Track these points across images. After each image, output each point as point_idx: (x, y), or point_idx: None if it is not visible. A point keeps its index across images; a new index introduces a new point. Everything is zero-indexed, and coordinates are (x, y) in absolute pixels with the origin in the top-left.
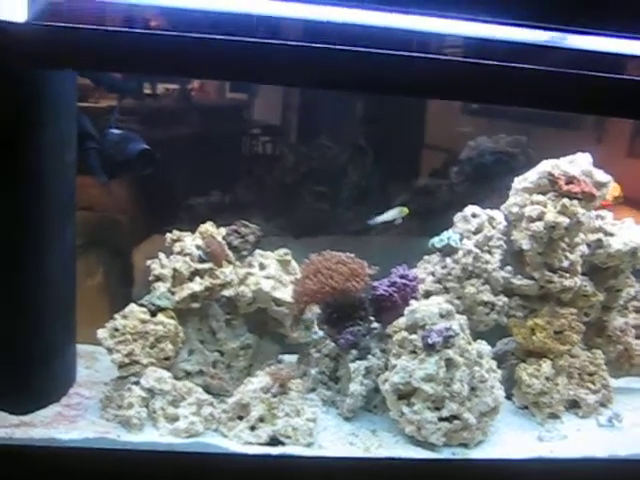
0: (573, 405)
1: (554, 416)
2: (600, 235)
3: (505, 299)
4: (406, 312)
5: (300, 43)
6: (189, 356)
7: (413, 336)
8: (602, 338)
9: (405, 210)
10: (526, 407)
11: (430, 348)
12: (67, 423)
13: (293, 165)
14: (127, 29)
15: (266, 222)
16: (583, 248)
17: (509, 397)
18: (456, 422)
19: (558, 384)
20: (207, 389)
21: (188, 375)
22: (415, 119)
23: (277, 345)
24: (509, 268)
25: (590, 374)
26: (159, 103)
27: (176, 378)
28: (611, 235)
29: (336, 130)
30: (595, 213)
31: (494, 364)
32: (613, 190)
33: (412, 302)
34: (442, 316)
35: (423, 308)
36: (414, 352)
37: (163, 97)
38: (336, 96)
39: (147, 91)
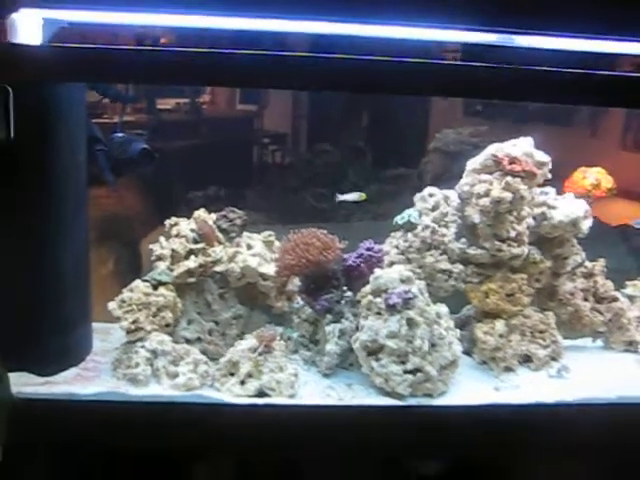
0: (526, 359)
1: (509, 369)
2: (544, 209)
3: (461, 267)
4: (371, 279)
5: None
6: (188, 325)
7: (377, 299)
8: (554, 302)
9: (363, 195)
10: (485, 362)
11: (392, 309)
12: (84, 382)
13: (296, 170)
14: (120, 47)
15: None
16: (529, 220)
17: (470, 354)
18: (419, 374)
19: (511, 341)
20: (205, 353)
21: (188, 342)
22: (416, 122)
23: (265, 315)
24: (464, 240)
25: (541, 332)
26: (172, 116)
27: (177, 344)
28: (554, 208)
29: (337, 135)
30: (539, 190)
31: (452, 323)
32: (606, 182)
33: (376, 270)
34: (402, 281)
35: (385, 275)
36: (379, 313)
37: (175, 110)
38: (338, 104)
39: (160, 106)
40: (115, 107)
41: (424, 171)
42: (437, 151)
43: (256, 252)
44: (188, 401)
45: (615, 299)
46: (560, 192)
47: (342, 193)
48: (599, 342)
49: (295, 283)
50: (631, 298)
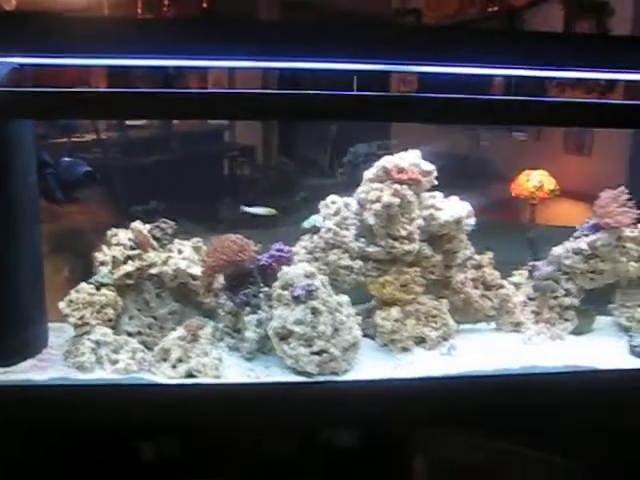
0: (421, 341)
1: (406, 349)
2: (432, 210)
3: (361, 263)
4: (279, 275)
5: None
6: (129, 321)
7: (285, 292)
8: (448, 291)
9: (273, 211)
10: (385, 345)
11: (296, 300)
12: (39, 371)
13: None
14: (63, 88)
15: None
16: (419, 221)
17: (374, 339)
18: (325, 355)
19: (406, 325)
20: (145, 344)
21: (130, 335)
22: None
23: (197, 310)
24: (363, 240)
25: (434, 316)
26: (140, 133)
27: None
28: (440, 210)
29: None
30: (428, 194)
31: (352, 311)
32: (549, 184)
33: (284, 268)
34: (307, 276)
35: (291, 271)
36: (287, 304)
37: (146, 127)
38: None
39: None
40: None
41: (338, 182)
42: (349, 164)
43: (185, 256)
44: (127, 383)
45: (502, 286)
46: (507, 194)
47: (247, 204)
48: (492, 325)
49: (220, 282)
50: (517, 285)
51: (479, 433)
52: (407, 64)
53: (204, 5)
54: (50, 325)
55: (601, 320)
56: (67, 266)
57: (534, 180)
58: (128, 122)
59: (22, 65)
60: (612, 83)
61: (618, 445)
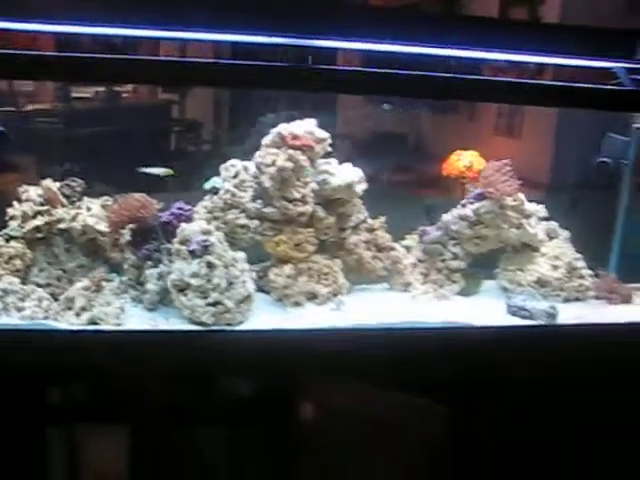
0: (313, 297)
1: (298, 304)
2: (325, 175)
3: (257, 222)
4: (178, 231)
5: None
6: (39, 273)
7: (183, 247)
8: (342, 251)
9: (170, 171)
10: (280, 300)
11: (192, 254)
12: None
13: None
14: None
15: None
16: (313, 185)
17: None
18: (219, 306)
19: (299, 281)
20: (55, 296)
21: (39, 286)
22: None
23: (105, 264)
24: (260, 201)
25: (325, 274)
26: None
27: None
28: (333, 175)
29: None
30: (323, 160)
31: (247, 266)
32: (478, 164)
33: (182, 224)
34: (203, 232)
35: (189, 227)
36: (185, 258)
37: (93, 99)
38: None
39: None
40: None
41: (248, 147)
42: (257, 132)
43: (94, 213)
44: (32, 328)
45: (393, 249)
46: (439, 173)
47: (146, 166)
48: (385, 285)
49: (127, 238)
50: (408, 248)
51: (362, 381)
52: (354, 42)
53: None
54: None
55: (490, 283)
56: None
57: (464, 160)
58: (74, 94)
59: None
60: (541, 66)
61: (487, 391)
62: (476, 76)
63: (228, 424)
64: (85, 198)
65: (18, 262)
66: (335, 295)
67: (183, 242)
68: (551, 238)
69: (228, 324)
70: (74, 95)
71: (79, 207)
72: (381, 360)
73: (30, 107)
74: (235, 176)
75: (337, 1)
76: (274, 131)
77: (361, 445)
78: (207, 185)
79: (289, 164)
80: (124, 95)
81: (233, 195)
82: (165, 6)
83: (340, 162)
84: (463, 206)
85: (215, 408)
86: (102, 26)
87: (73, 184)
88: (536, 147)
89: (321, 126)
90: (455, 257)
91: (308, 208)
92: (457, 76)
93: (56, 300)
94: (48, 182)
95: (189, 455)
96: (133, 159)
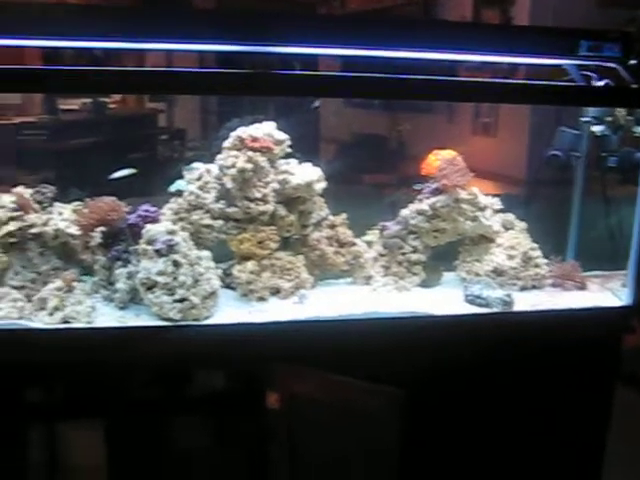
0: (277, 292)
1: (262, 299)
2: (286, 175)
3: (221, 222)
4: (144, 232)
5: None
6: (14, 276)
7: (149, 247)
8: (305, 248)
9: (133, 170)
10: (245, 295)
11: (158, 253)
12: None
13: None
14: None
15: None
16: (274, 185)
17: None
18: (186, 302)
19: (262, 276)
20: (30, 297)
21: (15, 289)
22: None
23: (77, 266)
24: (223, 201)
25: (288, 269)
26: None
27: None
28: (293, 174)
29: None
30: (283, 161)
31: (212, 264)
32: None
33: (148, 225)
34: (169, 232)
35: (154, 228)
36: (152, 258)
37: (81, 110)
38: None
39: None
40: None
41: (214, 151)
42: (221, 137)
43: (65, 217)
44: (6, 327)
45: (354, 244)
46: (417, 172)
47: (115, 170)
48: (348, 279)
49: (97, 240)
50: (369, 243)
51: (324, 371)
52: (334, 47)
53: None
54: None
55: (450, 275)
56: None
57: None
58: (63, 106)
59: None
60: (513, 66)
61: (445, 376)
62: (442, 77)
63: (196, 415)
64: (56, 203)
65: None
66: (298, 289)
67: (149, 242)
68: (507, 229)
69: (195, 319)
70: (61, 107)
71: (51, 212)
72: (342, 350)
73: (17, 120)
74: (199, 178)
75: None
76: (234, 134)
77: (327, 432)
78: (172, 188)
79: (249, 165)
80: (110, 105)
81: (197, 196)
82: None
83: (314, 163)
84: (420, 201)
85: (182, 399)
86: (83, 39)
87: (44, 190)
88: (512, 145)
89: (297, 129)
90: (415, 250)
91: (269, 207)
92: (428, 77)
93: (30, 301)
94: (20, 189)
95: (162, 450)
96: (111, 166)
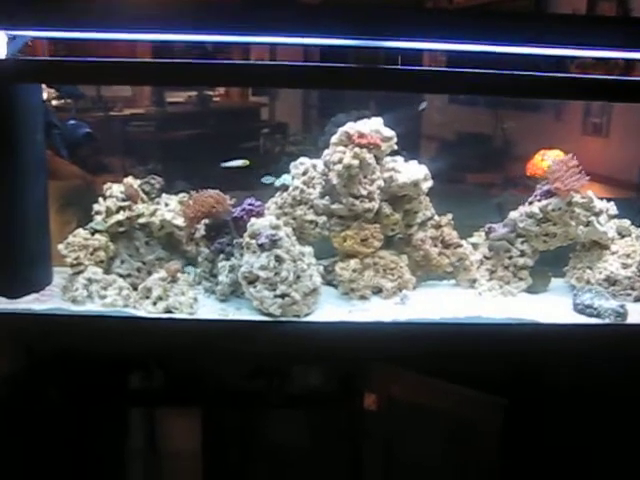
0: (379, 291)
1: (363, 298)
2: (392, 173)
3: (325, 218)
4: (248, 226)
5: None
6: (121, 264)
7: (252, 241)
8: (409, 247)
9: (247, 162)
10: (346, 293)
11: (261, 247)
12: (40, 303)
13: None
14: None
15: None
16: (379, 182)
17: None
18: (287, 299)
19: (364, 275)
20: (134, 286)
21: (121, 277)
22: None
23: (181, 257)
24: (327, 197)
25: (391, 269)
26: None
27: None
28: (399, 172)
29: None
30: (390, 158)
31: (314, 260)
32: None
33: (252, 219)
34: (273, 227)
35: (258, 222)
36: (254, 252)
37: (185, 103)
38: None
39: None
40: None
41: (319, 147)
42: (328, 132)
43: (171, 209)
44: (112, 315)
45: (459, 245)
46: (523, 172)
47: (226, 160)
48: (451, 282)
49: (202, 232)
50: (475, 245)
51: (424, 374)
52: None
53: None
54: (59, 269)
55: (558, 281)
56: (75, 218)
57: (549, 160)
58: (170, 99)
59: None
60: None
61: (550, 388)
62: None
63: (295, 412)
64: (164, 195)
65: (102, 254)
66: (400, 290)
67: (253, 236)
68: (623, 236)
69: (295, 316)
70: (168, 100)
71: (158, 203)
72: (444, 354)
73: (126, 112)
74: (304, 173)
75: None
76: (341, 130)
77: (424, 438)
78: (277, 182)
79: (355, 161)
80: (214, 99)
81: (302, 191)
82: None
83: (419, 161)
84: (530, 203)
85: (279, 394)
86: (193, 33)
87: (152, 181)
88: (626, 146)
89: (401, 126)
90: (522, 254)
91: (374, 204)
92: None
93: (135, 289)
94: (130, 179)
95: (256, 442)
96: (216, 158)
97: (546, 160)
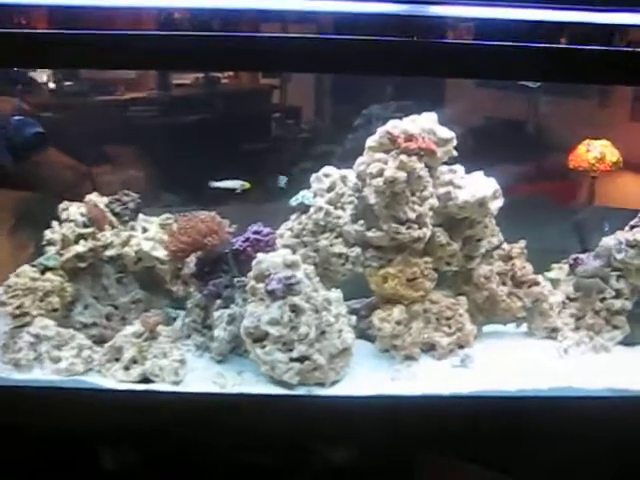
0: (431, 348)
1: (410, 358)
2: (449, 188)
3: (358, 250)
4: (254, 263)
5: None
6: (84, 310)
7: (260, 285)
8: (468, 287)
9: (246, 185)
10: (387, 350)
11: (271, 295)
12: None
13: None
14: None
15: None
16: (432, 201)
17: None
18: (307, 362)
19: (412, 328)
20: (102, 338)
21: (84, 326)
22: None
23: (167, 299)
24: (362, 222)
25: (447, 318)
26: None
27: (74, 329)
28: (459, 188)
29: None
30: (446, 168)
31: (344, 310)
32: (611, 156)
33: (259, 255)
34: (287, 266)
35: (267, 259)
36: (262, 299)
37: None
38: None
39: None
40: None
41: (348, 148)
42: (360, 128)
43: (150, 236)
44: (68, 386)
45: (536, 283)
46: (564, 165)
47: (218, 180)
48: (522, 329)
49: (190, 268)
50: (555, 282)
51: (494, 468)
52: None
53: None
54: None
55: None
56: (33, 241)
57: (594, 151)
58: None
59: None
60: None
61: None
62: None
63: None
64: (140, 216)
65: (55, 299)
66: (460, 347)
67: (260, 278)
68: None
69: (318, 384)
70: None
71: (132, 228)
72: (522, 438)
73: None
74: (330, 189)
75: None
76: (382, 130)
77: None
78: (293, 201)
79: (402, 174)
80: (222, 81)
81: (327, 214)
82: None
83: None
84: (632, 228)
85: None
86: None
87: (125, 199)
88: None
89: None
90: (618, 294)
91: (426, 231)
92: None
93: (103, 344)
94: (93, 197)
95: None
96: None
97: (592, 151)
